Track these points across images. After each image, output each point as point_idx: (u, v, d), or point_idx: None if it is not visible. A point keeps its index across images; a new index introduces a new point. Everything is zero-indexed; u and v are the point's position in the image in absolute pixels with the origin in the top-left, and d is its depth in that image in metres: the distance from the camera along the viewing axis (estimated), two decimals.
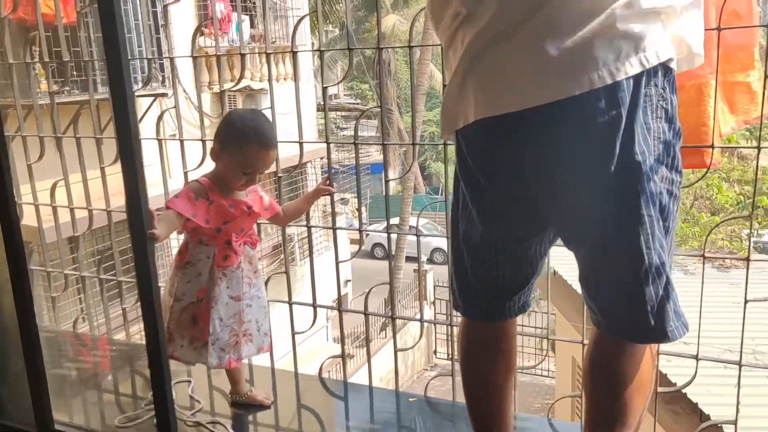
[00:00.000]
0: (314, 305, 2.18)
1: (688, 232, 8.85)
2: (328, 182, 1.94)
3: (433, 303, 13.24)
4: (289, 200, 2.15)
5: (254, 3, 8.85)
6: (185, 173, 2.14)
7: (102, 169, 2.34)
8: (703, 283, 1.64)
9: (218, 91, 2.15)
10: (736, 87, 1.76)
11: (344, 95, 25.83)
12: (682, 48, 1.16)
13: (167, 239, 1.61)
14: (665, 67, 1.09)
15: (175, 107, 2.04)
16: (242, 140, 1.69)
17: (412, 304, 12.84)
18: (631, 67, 1.04)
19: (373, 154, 21.71)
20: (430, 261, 16.57)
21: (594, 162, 1.08)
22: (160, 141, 2.19)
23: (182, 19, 7.27)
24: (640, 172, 1.07)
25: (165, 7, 1.92)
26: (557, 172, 1.13)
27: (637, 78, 1.05)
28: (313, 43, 12.29)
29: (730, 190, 9.60)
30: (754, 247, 9.39)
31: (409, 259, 14.08)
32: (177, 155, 2.23)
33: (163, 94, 6.49)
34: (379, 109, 20.94)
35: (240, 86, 7.41)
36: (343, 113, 22.83)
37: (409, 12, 19.52)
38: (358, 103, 24.37)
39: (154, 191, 2.17)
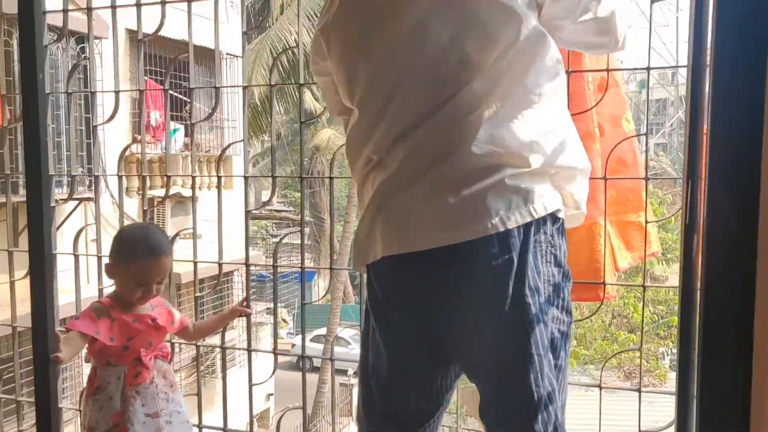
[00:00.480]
0: (225, 429, 2.13)
1: (608, 350, 9.11)
2: (245, 303, 1.96)
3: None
4: (213, 309, 2.14)
5: (189, 113, 9.03)
6: (100, 290, 2.12)
7: (11, 283, 2.28)
8: (601, 414, 1.71)
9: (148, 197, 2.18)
10: (630, 226, 1.94)
11: (278, 202, 26.05)
12: (569, 202, 1.29)
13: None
14: (554, 217, 1.21)
15: (95, 221, 2.04)
16: (131, 252, 1.73)
17: (338, 420, 12.43)
18: (521, 217, 1.15)
19: (305, 262, 21.64)
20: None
21: (488, 302, 1.17)
22: (76, 256, 2.17)
23: (116, 123, 7.32)
24: (530, 313, 1.15)
25: (94, 127, 1.95)
26: (457, 309, 1.20)
27: (526, 226, 1.16)
28: (248, 152, 12.50)
29: (646, 309, 10.03)
30: (670, 366, 9.73)
31: (338, 371, 13.78)
32: (94, 262, 2.20)
33: (89, 198, 6.41)
34: (311, 218, 21.16)
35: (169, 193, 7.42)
36: (275, 221, 22.89)
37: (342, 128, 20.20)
38: (290, 211, 24.54)
39: (66, 298, 2.12)
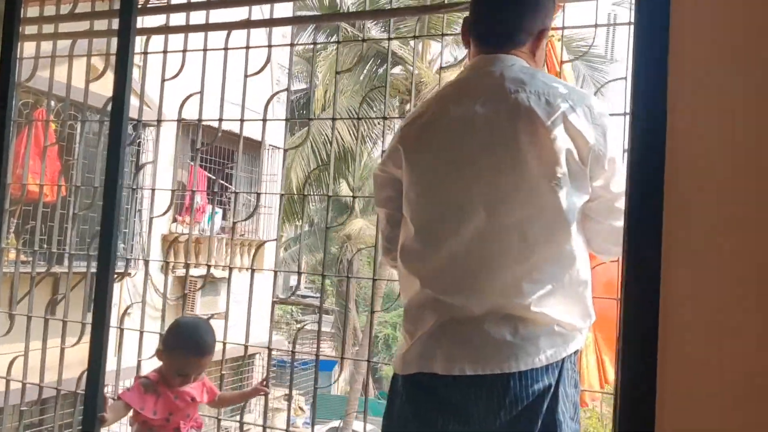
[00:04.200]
0: None
1: None
2: (264, 383, 2.19)
3: None
4: (233, 386, 2.38)
5: (229, 198, 9.49)
6: (139, 362, 2.36)
7: (62, 350, 2.53)
8: None
9: (181, 275, 2.44)
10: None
11: (305, 288, 26.27)
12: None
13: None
14: (576, 351, 1.44)
15: (142, 302, 2.31)
16: (175, 347, 1.99)
17: None
18: (563, 353, 1.38)
19: (325, 350, 21.58)
20: None
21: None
22: (121, 330, 2.43)
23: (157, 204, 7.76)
24: (561, 428, 1.35)
25: (151, 219, 2.25)
26: (496, 423, 1.37)
27: (563, 359, 1.38)
28: (281, 236, 12.88)
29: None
30: None
31: None
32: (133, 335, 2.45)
33: (128, 273, 6.76)
34: (336, 306, 21.25)
35: (202, 273, 7.75)
36: (302, 306, 23.04)
37: (376, 218, 20.59)
38: (316, 297, 24.69)
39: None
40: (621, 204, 1.43)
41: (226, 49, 2.41)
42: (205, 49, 2.45)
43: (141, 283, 2.49)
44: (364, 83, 12.79)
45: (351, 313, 19.56)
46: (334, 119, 2.74)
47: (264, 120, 2.40)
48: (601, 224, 1.43)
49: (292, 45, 2.83)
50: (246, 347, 2.40)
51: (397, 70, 13.95)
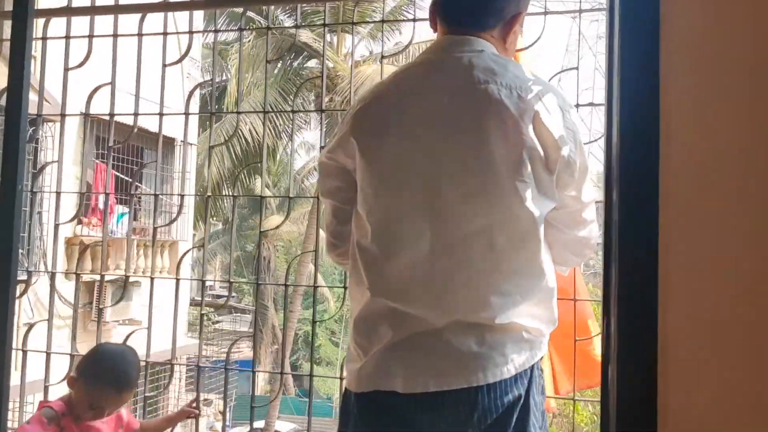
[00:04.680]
0: None
1: None
2: (194, 404, 1.98)
3: None
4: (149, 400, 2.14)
5: (139, 198, 9.00)
6: (45, 387, 2.09)
7: None
8: None
9: (88, 280, 2.20)
10: (573, 352, 1.94)
11: (220, 287, 25.56)
12: None
13: None
14: (542, 357, 1.33)
15: (48, 320, 2.04)
16: (93, 378, 1.76)
17: None
18: (532, 361, 1.27)
19: (244, 350, 21.09)
20: None
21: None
22: (24, 352, 2.15)
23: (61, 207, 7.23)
24: None
25: (56, 225, 1.96)
26: None
27: (532, 366, 1.28)
28: (194, 235, 12.42)
29: (585, 410, 10.23)
30: None
31: None
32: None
33: (25, 281, 6.23)
34: (252, 305, 20.81)
35: (113, 278, 7.29)
36: (215, 308, 22.39)
37: (294, 215, 20.36)
38: (233, 297, 24.10)
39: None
40: (587, 214, 1.35)
41: (140, 35, 2.15)
42: (115, 35, 2.19)
43: (43, 292, 2.21)
44: (279, 77, 12.48)
45: (269, 311, 19.14)
46: (265, 112, 2.49)
47: (186, 114, 2.17)
48: (565, 234, 1.32)
49: (216, 31, 2.60)
50: (172, 364, 2.18)
51: (313, 63, 13.72)
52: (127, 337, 2.07)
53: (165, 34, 2.19)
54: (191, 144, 9.49)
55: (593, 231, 1.37)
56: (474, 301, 1.24)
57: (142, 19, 2.12)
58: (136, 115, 2.17)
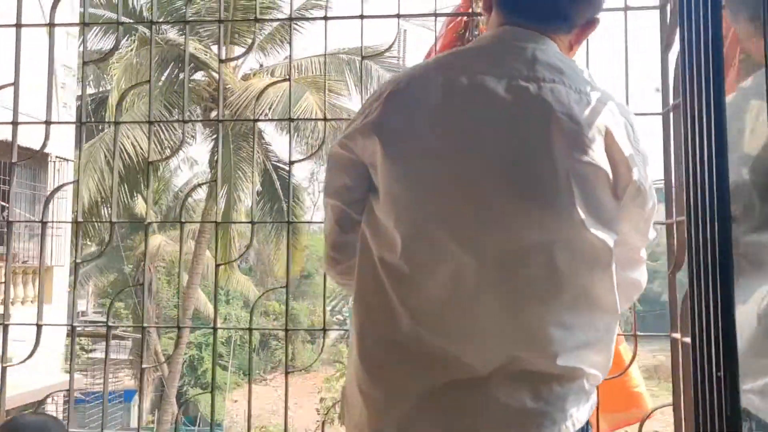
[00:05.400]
0: None
1: None
2: None
3: None
4: None
5: (5, 218, 8.12)
6: None
7: None
8: None
9: None
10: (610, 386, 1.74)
11: (93, 313, 23.80)
12: None
13: None
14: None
15: None
16: None
17: None
18: (588, 413, 1.08)
19: (123, 380, 19.73)
20: None
21: None
22: None
23: None
24: None
25: None
26: None
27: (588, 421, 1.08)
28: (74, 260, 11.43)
29: None
30: None
31: None
32: None
33: None
34: (134, 331, 19.52)
35: None
36: (90, 337, 20.83)
37: (176, 233, 19.38)
38: (112, 324, 22.58)
39: None
40: (644, 253, 1.17)
41: None
42: None
43: None
44: (163, 89, 11.79)
45: (152, 336, 18.01)
46: (150, 123, 2.10)
47: (47, 123, 1.82)
48: (618, 275, 1.09)
49: (84, 24, 2.23)
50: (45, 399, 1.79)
51: (199, 75, 13.11)
52: None
53: (18, 26, 1.80)
54: (66, 159, 8.68)
55: (644, 273, 1.19)
56: (529, 332, 1.02)
57: None
58: (16, 124, 1.79)
